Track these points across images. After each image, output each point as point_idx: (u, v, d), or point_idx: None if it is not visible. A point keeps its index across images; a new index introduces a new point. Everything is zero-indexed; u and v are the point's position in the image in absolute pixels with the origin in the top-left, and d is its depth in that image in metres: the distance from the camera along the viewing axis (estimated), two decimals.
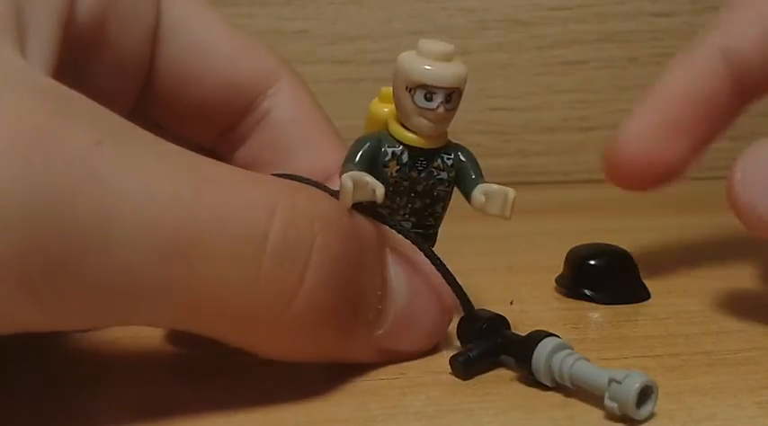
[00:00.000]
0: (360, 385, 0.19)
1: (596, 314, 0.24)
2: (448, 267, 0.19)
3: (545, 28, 0.49)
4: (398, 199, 0.20)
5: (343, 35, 0.47)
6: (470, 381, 0.19)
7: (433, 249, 0.20)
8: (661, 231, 0.36)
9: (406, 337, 0.20)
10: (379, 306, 0.19)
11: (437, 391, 0.19)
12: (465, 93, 0.19)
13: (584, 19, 0.49)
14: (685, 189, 0.49)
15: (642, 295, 0.25)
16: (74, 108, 0.15)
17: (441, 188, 0.21)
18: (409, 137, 0.20)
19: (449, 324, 0.21)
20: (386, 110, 0.21)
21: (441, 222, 0.21)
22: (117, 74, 0.21)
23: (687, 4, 0.50)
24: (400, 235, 0.19)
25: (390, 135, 0.20)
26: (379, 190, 0.18)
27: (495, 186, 0.20)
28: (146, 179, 0.15)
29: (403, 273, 0.19)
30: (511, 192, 0.20)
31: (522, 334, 0.19)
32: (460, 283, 0.20)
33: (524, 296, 0.25)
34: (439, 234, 0.22)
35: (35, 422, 0.17)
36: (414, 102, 0.19)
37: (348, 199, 0.18)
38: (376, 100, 0.21)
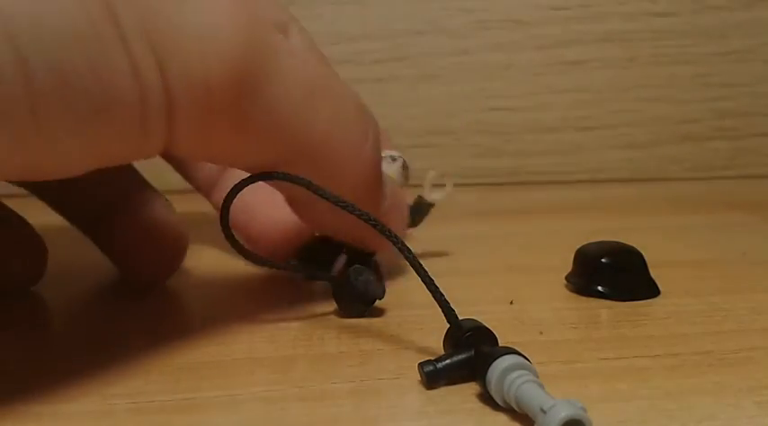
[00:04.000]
0: (360, 385, 0.19)
1: (596, 314, 0.24)
2: (430, 275, 0.20)
3: (545, 28, 0.49)
4: None
5: (343, 35, 0.47)
6: (471, 381, 0.19)
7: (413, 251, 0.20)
8: (660, 231, 0.36)
9: (393, 218, 0.24)
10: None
11: (437, 391, 0.19)
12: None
13: (584, 19, 0.49)
14: (685, 189, 0.49)
15: (653, 291, 0.26)
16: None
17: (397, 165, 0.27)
18: None
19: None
20: None
21: None
22: None
23: (687, 4, 0.50)
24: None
25: None
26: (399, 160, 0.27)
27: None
28: (297, 63, 0.20)
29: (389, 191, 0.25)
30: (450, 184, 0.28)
31: (494, 349, 0.18)
32: (443, 292, 0.20)
33: (524, 296, 0.25)
34: None
35: None
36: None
37: None
38: None
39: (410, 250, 0.20)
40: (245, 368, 0.20)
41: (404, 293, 0.26)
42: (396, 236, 0.20)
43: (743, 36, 0.50)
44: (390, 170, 0.26)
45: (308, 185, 0.21)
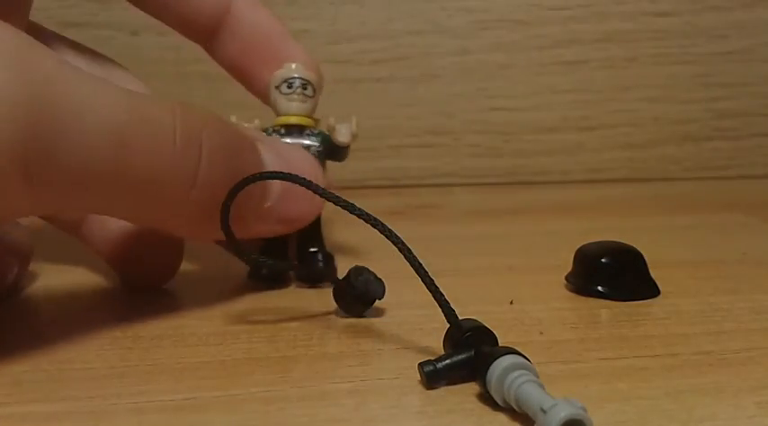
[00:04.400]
0: (360, 385, 0.19)
1: (596, 314, 0.24)
2: (430, 275, 0.20)
3: (545, 28, 0.49)
4: None
5: (343, 35, 0.47)
6: (471, 381, 0.19)
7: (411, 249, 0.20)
8: (660, 231, 0.36)
9: (293, 205, 0.25)
10: (262, 183, 0.24)
11: (437, 391, 0.19)
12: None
13: (584, 19, 0.49)
14: (685, 189, 0.49)
15: (653, 291, 0.26)
16: (35, 42, 0.19)
17: (312, 152, 0.27)
18: (283, 119, 0.28)
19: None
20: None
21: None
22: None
23: (687, 4, 0.50)
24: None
25: (276, 125, 0.28)
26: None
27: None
28: (95, 89, 0.19)
29: (275, 157, 0.24)
30: (353, 117, 0.28)
31: (494, 349, 0.18)
32: (442, 292, 0.20)
33: (524, 295, 0.25)
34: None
35: None
36: (281, 92, 0.28)
37: None
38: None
39: (410, 250, 0.20)
40: (245, 369, 0.20)
41: (404, 293, 0.26)
42: (396, 236, 0.20)
43: (743, 36, 0.50)
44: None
45: (309, 185, 0.21)
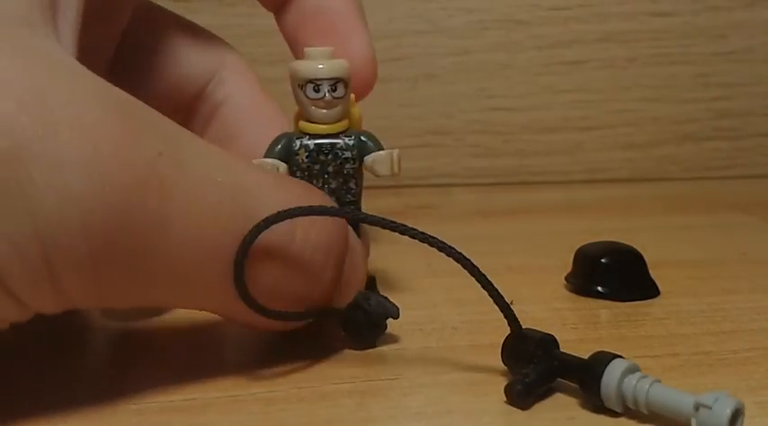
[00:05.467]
0: (360, 385, 0.19)
1: (596, 314, 0.24)
2: (496, 287, 0.19)
3: (545, 28, 0.49)
4: (315, 182, 0.23)
5: None
6: (470, 381, 0.19)
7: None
8: (660, 231, 0.36)
9: (334, 300, 0.21)
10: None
11: (437, 391, 0.19)
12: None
13: (584, 19, 0.49)
14: (685, 189, 0.49)
15: (653, 291, 0.26)
16: (137, 119, 0.17)
17: (348, 166, 0.23)
18: (310, 126, 0.23)
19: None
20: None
21: (360, 198, 0.24)
22: (96, 53, 0.23)
23: (687, 3, 0.50)
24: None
25: (300, 130, 0.24)
26: (282, 167, 0.23)
27: (384, 151, 0.23)
28: (196, 190, 0.17)
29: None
30: (396, 151, 0.23)
31: (577, 356, 0.18)
32: (509, 302, 0.19)
33: (524, 296, 0.25)
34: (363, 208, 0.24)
35: None
36: (306, 95, 0.23)
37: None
38: (297, 110, 0.24)
39: (476, 266, 0.19)
40: (245, 368, 0.20)
41: (403, 294, 0.26)
42: (460, 254, 0.19)
43: (743, 36, 0.50)
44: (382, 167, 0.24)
45: (353, 214, 0.20)
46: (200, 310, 0.19)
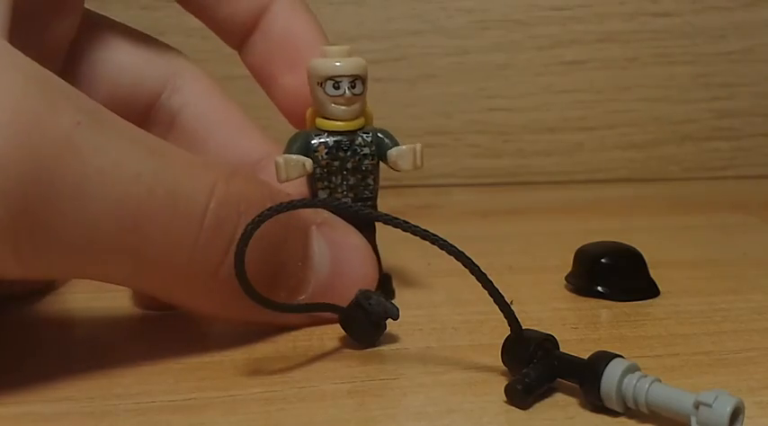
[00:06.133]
0: (360, 385, 0.19)
1: (596, 314, 0.24)
2: (495, 285, 0.19)
3: (545, 28, 0.49)
4: (334, 178, 0.24)
5: (342, 35, 0.47)
6: (470, 381, 0.19)
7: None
8: (660, 231, 0.36)
9: (330, 300, 0.21)
10: (300, 275, 0.22)
11: (437, 391, 0.19)
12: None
13: (584, 19, 0.49)
14: (685, 189, 0.49)
15: (653, 291, 0.26)
16: (56, 91, 0.17)
17: (367, 162, 0.24)
18: (329, 123, 0.24)
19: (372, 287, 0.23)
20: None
21: (377, 194, 0.25)
22: (42, 56, 0.23)
23: (687, 3, 0.50)
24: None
25: (317, 127, 0.24)
26: (308, 162, 0.23)
27: (405, 145, 0.24)
28: (115, 158, 0.17)
29: (327, 247, 0.22)
30: (418, 145, 0.24)
31: (577, 356, 0.18)
32: (508, 301, 0.19)
33: (524, 296, 0.25)
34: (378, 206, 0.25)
35: None
36: (326, 92, 0.23)
37: (282, 176, 0.23)
38: (310, 109, 0.25)
39: (477, 265, 0.19)
40: (245, 368, 0.20)
41: (403, 294, 0.26)
42: (461, 252, 0.19)
43: (743, 36, 0.50)
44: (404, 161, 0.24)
45: (358, 209, 0.19)
46: (133, 288, 0.20)
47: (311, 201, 0.20)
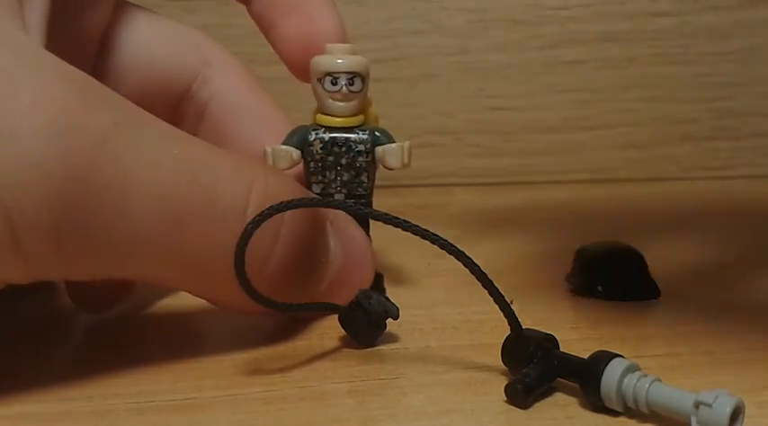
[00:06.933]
0: (360, 384, 0.19)
1: (596, 314, 0.24)
2: (495, 285, 0.19)
3: (545, 28, 0.49)
4: (328, 173, 0.24)
5: None
6: (470, 381, 0.19)
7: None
8: (660, 231, 0.36)
9: (336, 295, 0.22)
10: (322, 271, 0.22)
11: (437, 391, 0.19)
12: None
13: (584, 19, 0.49)
14: (685, 189, 0.49)
15: (653, 291, 0.26)
16: (93, 93, 0.17)
17: (361, 159, 0.24)
18: (326, 119, 0.24)
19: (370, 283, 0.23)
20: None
21: (372, 192, 0.25)
22: (76, 49, 0.23)
23: (687, 3, 0.50)
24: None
25: (316, 123, 0.24)
26: (296, 153, 0.24)
27: (395, 143, 0.24)
28: (152, 158, 0.18)
29: (339, 243, 0.23)
30: (407, 143, 0.24)
31: (577, 355, 0.18)
32: (509, 301, 0.19)
33: (524, 296, 0.25)
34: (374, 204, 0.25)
35: None
36: (324, 88, 0.24)
37: (269, 165, 0.23)
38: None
39: (477, 265, 0.19)
40: (245, 368, 0.20)
41: (403, 293, 0.26)
42: (462, 252, 0.19)
43: (743, 36, 0.50)
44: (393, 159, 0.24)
45: (358, 209, 0.19)
46: (169, 286, 0.20)
47: (311, 201, 0.20)
